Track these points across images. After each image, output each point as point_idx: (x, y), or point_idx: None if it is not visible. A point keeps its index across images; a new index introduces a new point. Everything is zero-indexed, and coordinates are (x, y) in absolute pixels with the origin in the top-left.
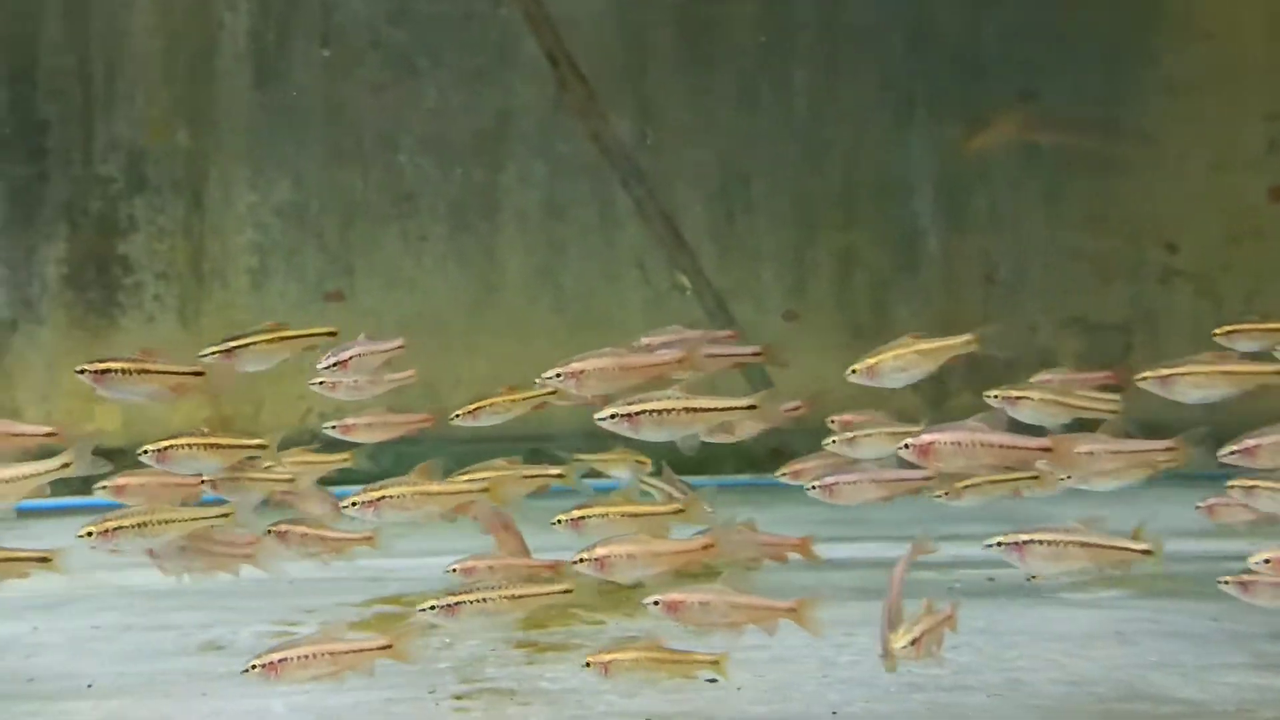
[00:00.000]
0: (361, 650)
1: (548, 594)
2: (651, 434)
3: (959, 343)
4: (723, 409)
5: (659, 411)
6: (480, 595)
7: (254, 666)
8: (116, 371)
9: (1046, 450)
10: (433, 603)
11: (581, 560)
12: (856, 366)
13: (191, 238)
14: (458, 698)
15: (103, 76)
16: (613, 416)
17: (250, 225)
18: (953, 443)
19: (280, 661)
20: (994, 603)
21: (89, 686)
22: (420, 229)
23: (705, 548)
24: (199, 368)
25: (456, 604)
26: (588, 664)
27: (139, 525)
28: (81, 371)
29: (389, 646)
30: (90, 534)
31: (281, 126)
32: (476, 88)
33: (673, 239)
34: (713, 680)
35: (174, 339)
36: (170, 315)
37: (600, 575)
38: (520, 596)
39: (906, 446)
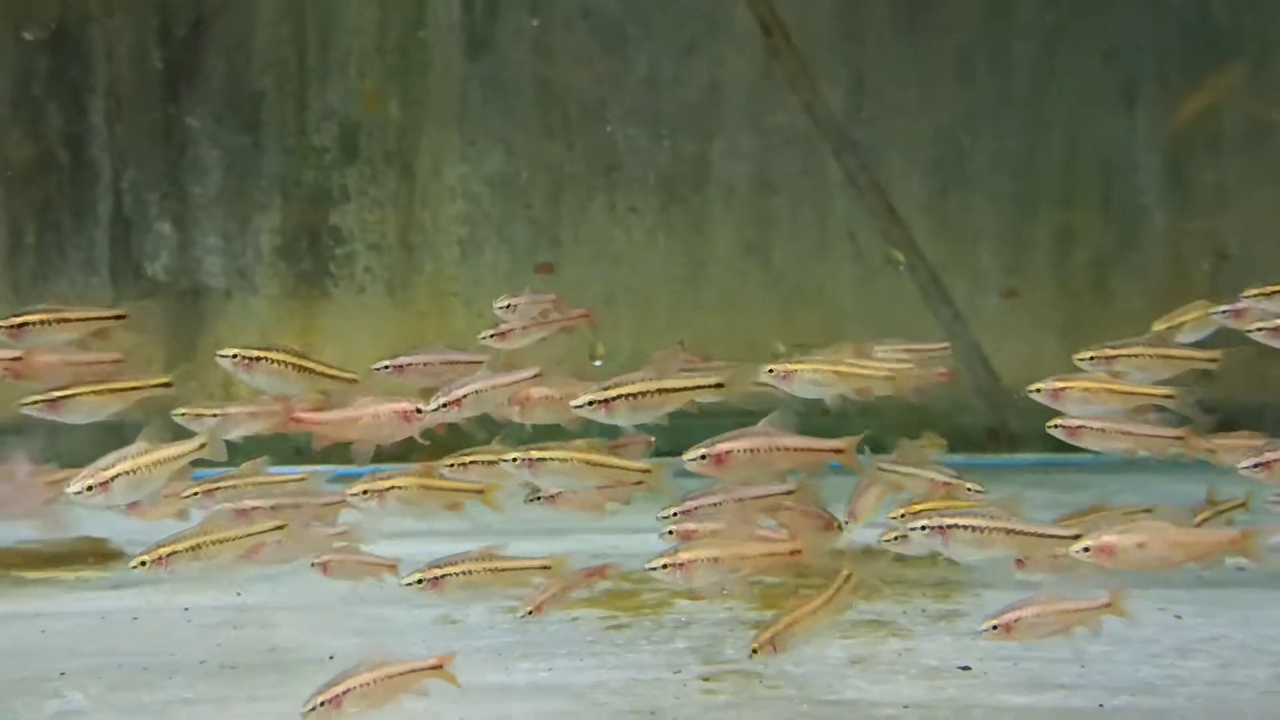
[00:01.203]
0: None
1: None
2: (626, 417)
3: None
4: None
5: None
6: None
7: None
8: (35, 324)
9: (838, 451)
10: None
11: (665, 566)
12: None
13: (402, 209)
14: (704, 679)
15: (317, 48)
16: (590, 404)
17: (461, 196)
18: (748, 449)
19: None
20: (1251, 594)
21: (330, 658)
22: (630, 201)
23: (793, 553)
24: (121, 310)
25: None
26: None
27: (193, 549)
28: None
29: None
30: (144, 564)
31: (492, 97)
32: (687, 58)
33: (886, 213)
34: (966, 668)
35: (383, 309)
36: (380, 286)
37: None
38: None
39: (703, 457)
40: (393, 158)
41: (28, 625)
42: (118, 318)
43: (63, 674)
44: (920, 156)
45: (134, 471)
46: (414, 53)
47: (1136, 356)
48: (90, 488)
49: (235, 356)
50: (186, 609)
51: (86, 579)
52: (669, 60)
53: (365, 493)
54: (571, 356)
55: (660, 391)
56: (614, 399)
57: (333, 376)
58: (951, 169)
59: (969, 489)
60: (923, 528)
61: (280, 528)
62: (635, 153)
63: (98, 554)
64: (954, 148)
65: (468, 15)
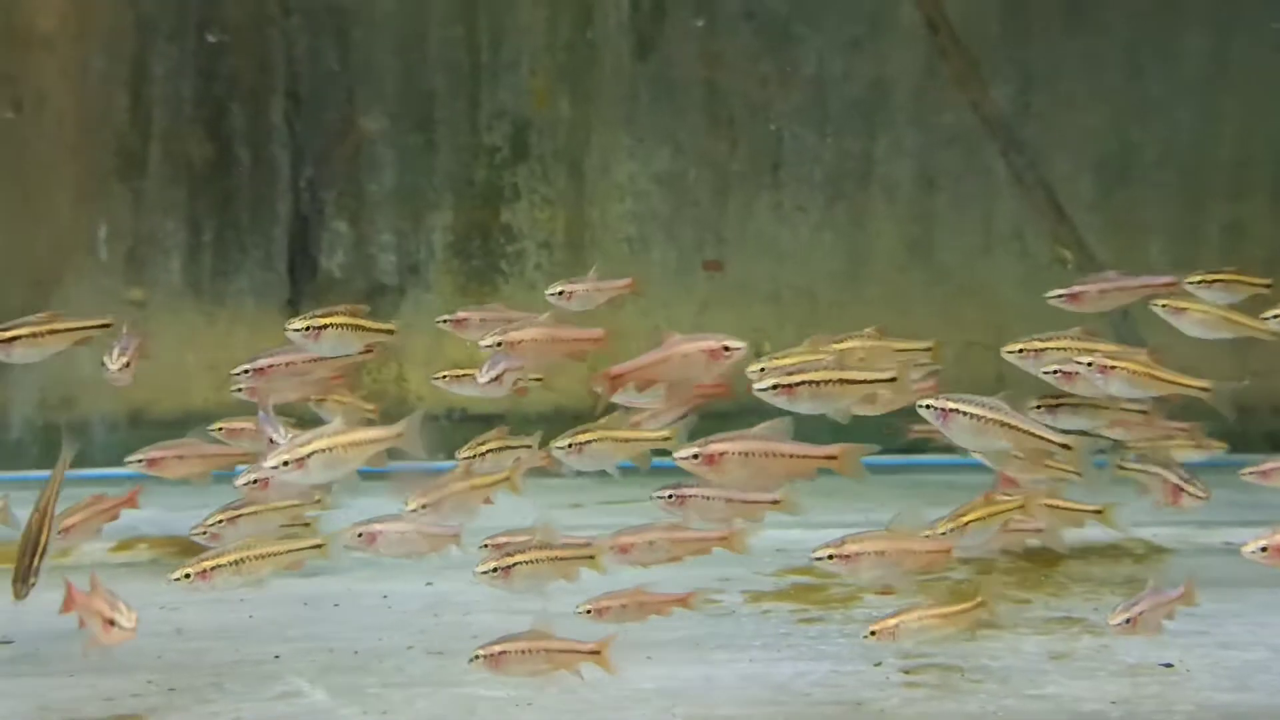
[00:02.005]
0: None
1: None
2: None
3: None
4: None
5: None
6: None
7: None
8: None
9: (832, 459)
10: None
11: (830, 557)
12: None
13: (571, 207)
14: (905, 672)
15: (489, 47)
16: (774, 388)
17: (629, 194)
18: (741, 452)
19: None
20: None
21: None
22: (796, 199)
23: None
24: (106, 320)
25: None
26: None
27: (235, 564)
28: None
29: None
30: (187, 576)
31: (660, 96)
32: (852, 56)
33: (1053, 210)
34: (1168, 665)
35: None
36: (551, 283)
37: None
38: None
39: (695, 456)
40: (562, 156)
41: (236, 609)
42: (103, 326)
43: (277, 657)
44: (1089, 153)
45: (330, 450)
46: (583, 52)
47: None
48: (287, 463)
49: (306, 329)
50: (385, 596)
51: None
52: (834, 58)
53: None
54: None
55: (841, 382)
56: (798, 385)
57: (378, 330)
58: (1120, 165)
59: (1193, 494)
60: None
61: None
62: (801, 150)
63: None
64: (1123, 143)
65: (635, 15)
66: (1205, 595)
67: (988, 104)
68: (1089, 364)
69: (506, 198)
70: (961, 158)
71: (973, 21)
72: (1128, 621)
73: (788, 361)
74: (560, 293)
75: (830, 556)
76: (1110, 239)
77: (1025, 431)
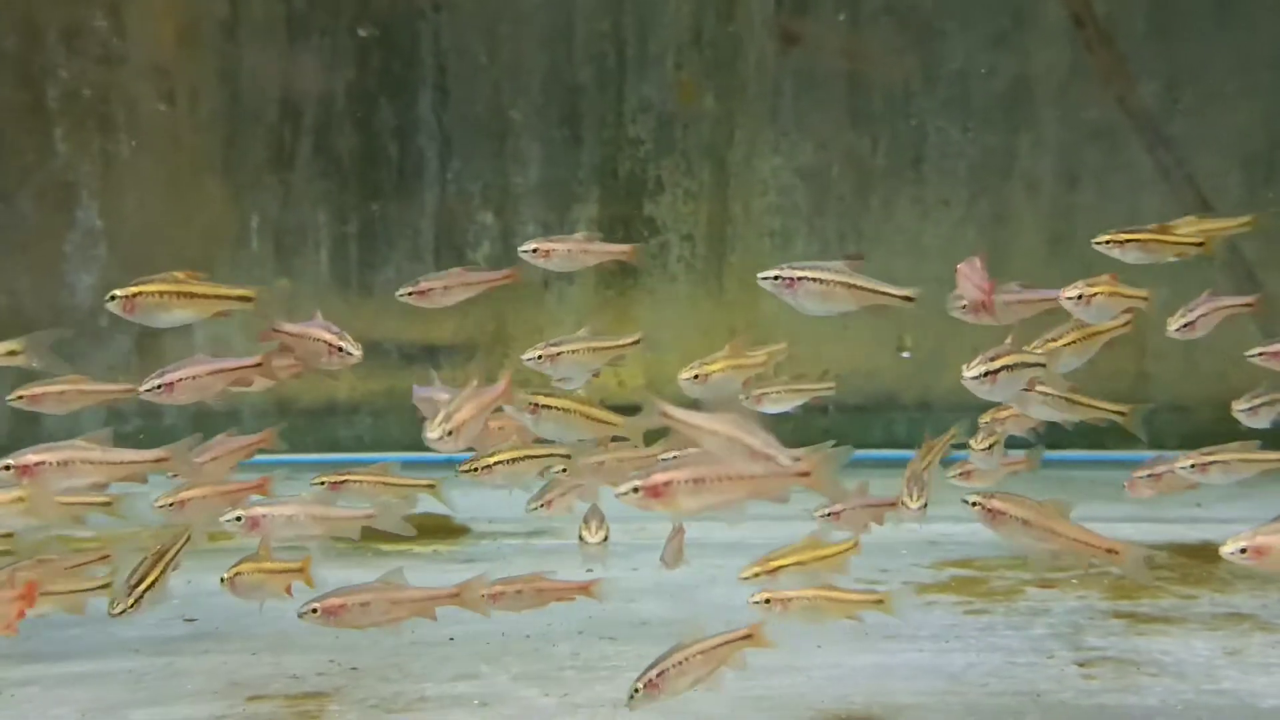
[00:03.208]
0: None
1: None
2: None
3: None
4: None
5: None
6: None
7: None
8: (152, 294)
9: (804, 475)
10: None
11: (1243, 550)
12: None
13: (715, 200)
14: (1080, 664)
15: (635, 41)
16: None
17: (772, 188)
18: (692, 480)
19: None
20: None
21: None
22: (939, 193)
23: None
24: (247, 292)
25: None
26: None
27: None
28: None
29: None
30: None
31: (803, 90)
32: (995, 51)
33: (1200, 207)
34: None
35: (694, 298)
36: (694, 276)
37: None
38: None
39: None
40: (706, 150)
41: None
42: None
43: (451, 639)
44: (1237, 150)
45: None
46: (727, 46)
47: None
48: (449, 433)
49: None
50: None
51: (441, 552)
52: (978, 53)
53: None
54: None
55: (1026, 364)
56: (999, 370)
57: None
58: (1270, 161)
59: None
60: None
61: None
62: (943, 145)
63: (444, 529)
64: (1272, 140)
65: (779, 9)
66: None
67: (1134, 99)
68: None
69: (650, 190)
70: (1105, 153)
71: (1119, 16)
72: None
73: (716, 368)
74: (535, 250)
75: (1243, 550)
76: (1258, 236)
77: (867, 289)
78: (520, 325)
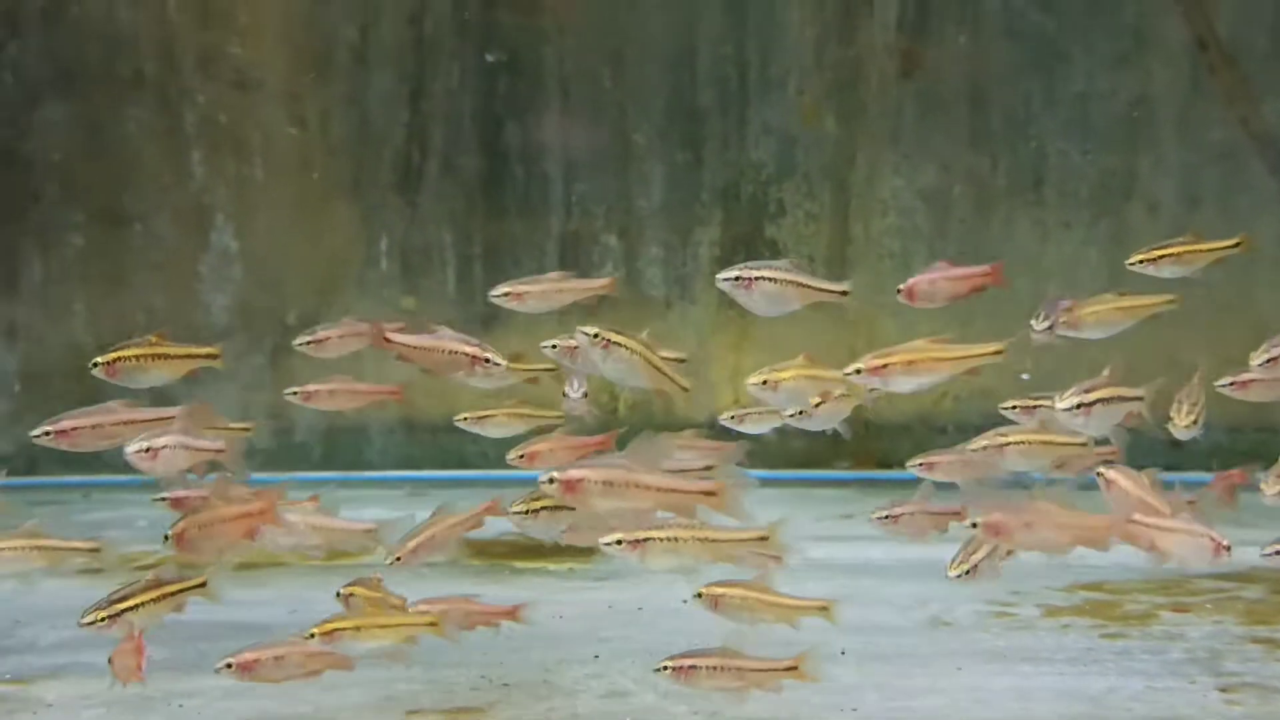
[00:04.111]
0: None
1: None
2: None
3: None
4: None
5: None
6: None
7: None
8: (129, 359)
9: (710, 494)
10: None
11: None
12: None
13: (836, 222)
14: (1222, 690)
15: (757, 64)
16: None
17: (893, 210)
18: (603, 482)
19: None
20: None
21: (842, 653)
22: (1060, 215)
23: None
24: (212, 349)
25: None
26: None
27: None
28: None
29: None
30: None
31: (924, 112)
32: (1117, 72)
33: None
34: None
35: (814, 320)
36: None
37: None
38: None
39: (551, 481)
40: (828, 172)
41: (545, 611)
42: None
43: (597, 657)
44: None
45: None
46: (849, 69)
47: None
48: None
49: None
50: (685, 601)
51: (576, 570)
52: (1099, 75)
53: None
54: None
55: (1123, 398)
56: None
57: None
58: None
59: None
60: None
61: None
62: (1064, 167)
63: (575, 549)
64: None
65: (900, 32)
66: None
67: (1257, 121)
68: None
69: (772, 213)
70: (1227, 175)
71: (1243, 37)
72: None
73: (786, 375)
74: (508, 294)
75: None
76: None
77: (809, 287)
78: None
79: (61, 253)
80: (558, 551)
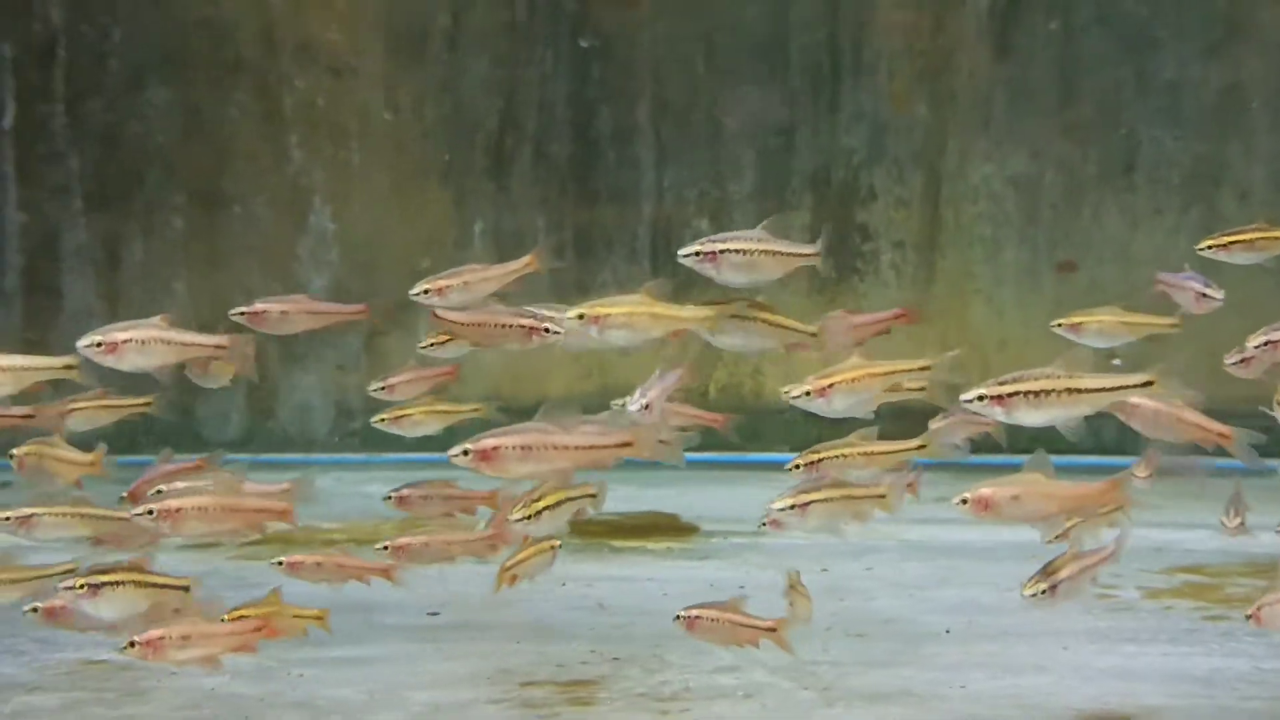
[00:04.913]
0: None
1: None
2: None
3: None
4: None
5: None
6: None
7: None
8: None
9: (626, 445)
10: None
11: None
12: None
13: (927, 207)
14: None
15: (849, 51)
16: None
17: (984, 196)
18: (519, 446)
19: None
20: None
21: (947, 632)
22: (1152, 202)
23: None
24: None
25: None
26: None
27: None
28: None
29: None
30: None
31: (1016, 99)
32: (1209, 60)
33: None
34: None
35: (905, 303)
36: (904, 282)
37: None
38: None
39: (465, 453)
40: (919, 158)
41: (649, 588)
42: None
43: None
44: None
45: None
46: (940, 56)
47: None
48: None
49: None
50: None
51: (674, 549)
52: (1192, 62)
53: None
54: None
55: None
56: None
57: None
58: None
59: None
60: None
61: None
62: (1156, 154)
63: (673, 528)
64: None
65: (992, 20)
66: None
67: None
68: None
69: (862, 198)
70: None
71: None
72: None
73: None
74: (427, 290)
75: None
76: None
77: (786, 254)
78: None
79: (163, 234)
80: (657, 531)
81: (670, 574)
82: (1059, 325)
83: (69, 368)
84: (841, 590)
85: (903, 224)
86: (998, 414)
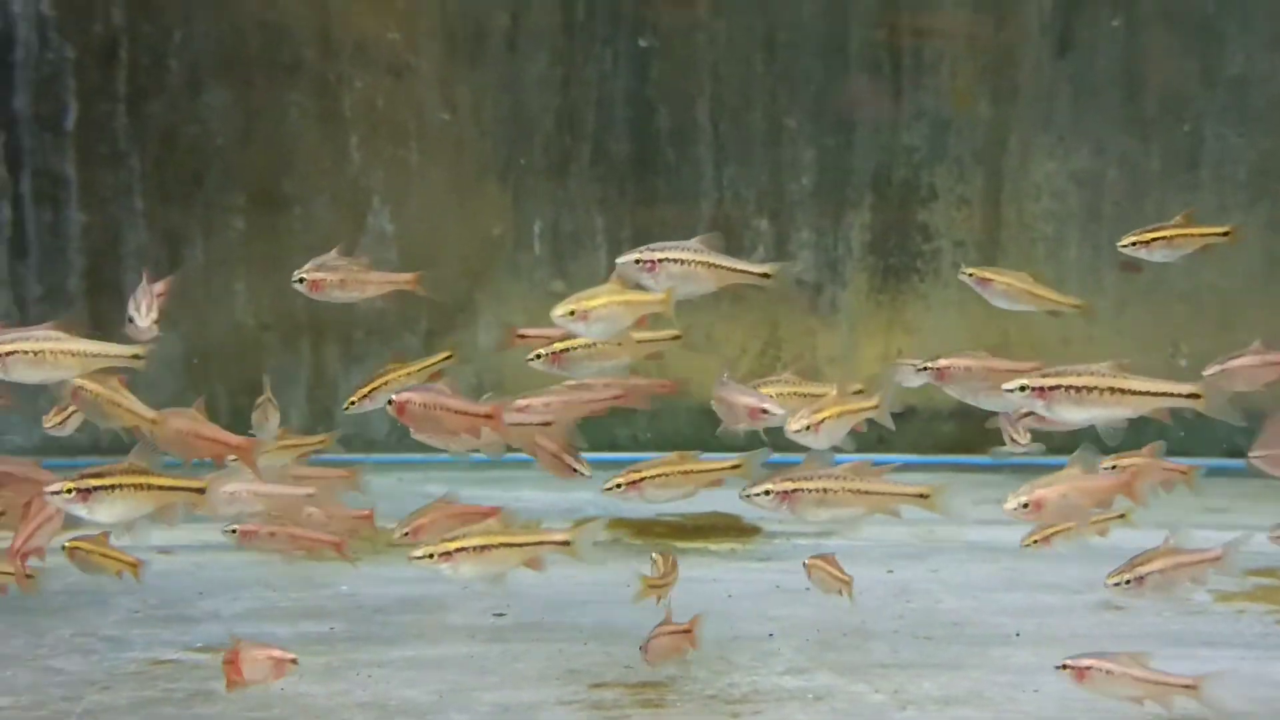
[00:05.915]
0: None
1: None
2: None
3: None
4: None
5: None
6: None
7: None
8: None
9: (488, 417)
10: None
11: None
12: None
13: (988, 206)
14: None
15: (910, 49)
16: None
17: (1046, 193)
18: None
19: None
20: None
21: (1017, 635)
22: (1217, 199)
23: None
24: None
25: None
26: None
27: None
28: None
29: None
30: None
31: (1078, 95)
32: (1275, 54)
33: None
34: None
35: (966, 305)
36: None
37: None
38: None
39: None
40: (980, 156)
41: (712, 589)
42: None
43: (770, 635)
44: None
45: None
46: (1002, 53)
47: None
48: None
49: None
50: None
51: (737, 551)
52: (1259, 56)
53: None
54: None
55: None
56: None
57: None
58: None
59: None
60: None
61: None
62: (1221, 150)
63: (735, 528)
64: None
65: (1054, 15)
66: None
67: None
68: None
69: (924, 197)
70: None
71: None
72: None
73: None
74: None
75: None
76: None
77: (725, 269)
78: (792, 329)
79: (223, 234)
80: (719, 531)
81: (734, 575)
82: (969, 274)
83: (135, 358)
84: (909, 592)
85: (964, 223)
86: (1038, 406)
